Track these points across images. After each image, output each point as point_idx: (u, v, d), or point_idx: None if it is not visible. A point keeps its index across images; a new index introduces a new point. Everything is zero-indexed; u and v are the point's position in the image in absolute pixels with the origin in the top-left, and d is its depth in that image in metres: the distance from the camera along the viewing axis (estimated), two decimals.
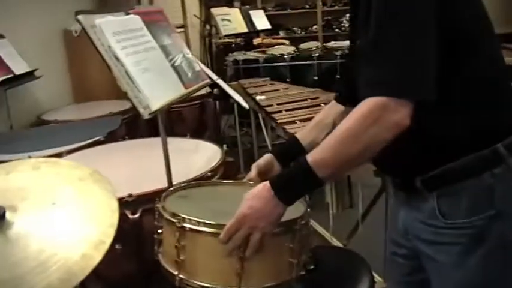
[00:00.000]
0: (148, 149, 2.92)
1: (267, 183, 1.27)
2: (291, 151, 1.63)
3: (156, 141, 2.94)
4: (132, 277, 2.17)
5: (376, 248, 2.18)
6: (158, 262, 1.51)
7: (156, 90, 1.64)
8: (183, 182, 1.87)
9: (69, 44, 4.69)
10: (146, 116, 1.55)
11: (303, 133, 1.66)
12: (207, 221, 1.34)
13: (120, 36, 1.63)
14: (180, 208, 1.46)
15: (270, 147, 4.26)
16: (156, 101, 1.60)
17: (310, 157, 1.22)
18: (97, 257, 1.26)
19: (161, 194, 2.01)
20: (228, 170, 2.50)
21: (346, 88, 1.60)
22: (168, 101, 1.68)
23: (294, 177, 1.27)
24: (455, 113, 1.25)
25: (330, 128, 1.57)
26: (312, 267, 1.48)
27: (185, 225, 1.37)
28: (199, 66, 2.09)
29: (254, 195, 1.28)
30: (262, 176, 1.59)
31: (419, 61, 1.13)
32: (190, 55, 2.02)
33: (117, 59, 1.55)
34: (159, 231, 1.50)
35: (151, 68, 1.69)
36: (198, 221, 1.35)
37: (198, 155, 2.62)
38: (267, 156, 1.63)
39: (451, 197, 1.28)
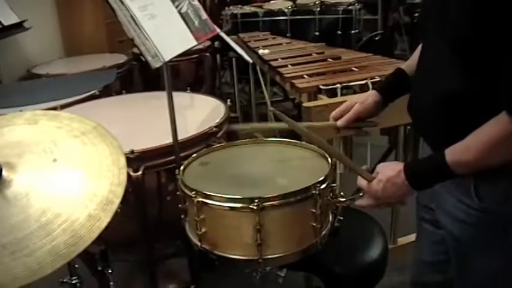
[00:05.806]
0: (145, 103, 2.80)
1: (402, 170, 1.30)
2: (397, 86, 1.59)
3: (153, 96, 2.83)
4: (133, 238, 2.08)
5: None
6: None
7: (164, 39, 1.51)
8: (198, 142, 1.89)
9: None
10: (155, 65, 1.43)
11: (407, 64, 1.58)
12: (223, 195, 1.31)
13: None
14: (199, 179, 1.44)
15: (268, 104, 4.15)
16: (165, 50, 1.48)
17: (450, 156, 1.20)
18: (105, 218, 1.15)
19: (166, 151, 1.93)
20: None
21: None
22: (179, 52, 1.55)
23: (431, 173, 1.27)
24: None
25: None
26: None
27: (202, 199, 1.33)
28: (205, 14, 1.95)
29: (388, 179, 1.33)
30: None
31: None
32: (196, 2, 1.88)
33: (121, 2, 1.42)
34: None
35: (158, 15, 1.56)
36: (214, 195, 1.32)
37: (201, 110, 2.51)
38: (372, 93, 1.59)
39: (489, 181, 1.24)
